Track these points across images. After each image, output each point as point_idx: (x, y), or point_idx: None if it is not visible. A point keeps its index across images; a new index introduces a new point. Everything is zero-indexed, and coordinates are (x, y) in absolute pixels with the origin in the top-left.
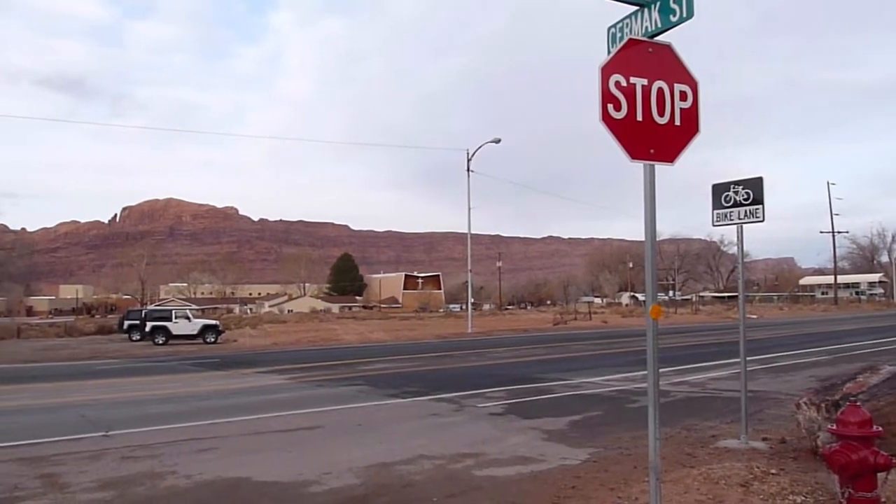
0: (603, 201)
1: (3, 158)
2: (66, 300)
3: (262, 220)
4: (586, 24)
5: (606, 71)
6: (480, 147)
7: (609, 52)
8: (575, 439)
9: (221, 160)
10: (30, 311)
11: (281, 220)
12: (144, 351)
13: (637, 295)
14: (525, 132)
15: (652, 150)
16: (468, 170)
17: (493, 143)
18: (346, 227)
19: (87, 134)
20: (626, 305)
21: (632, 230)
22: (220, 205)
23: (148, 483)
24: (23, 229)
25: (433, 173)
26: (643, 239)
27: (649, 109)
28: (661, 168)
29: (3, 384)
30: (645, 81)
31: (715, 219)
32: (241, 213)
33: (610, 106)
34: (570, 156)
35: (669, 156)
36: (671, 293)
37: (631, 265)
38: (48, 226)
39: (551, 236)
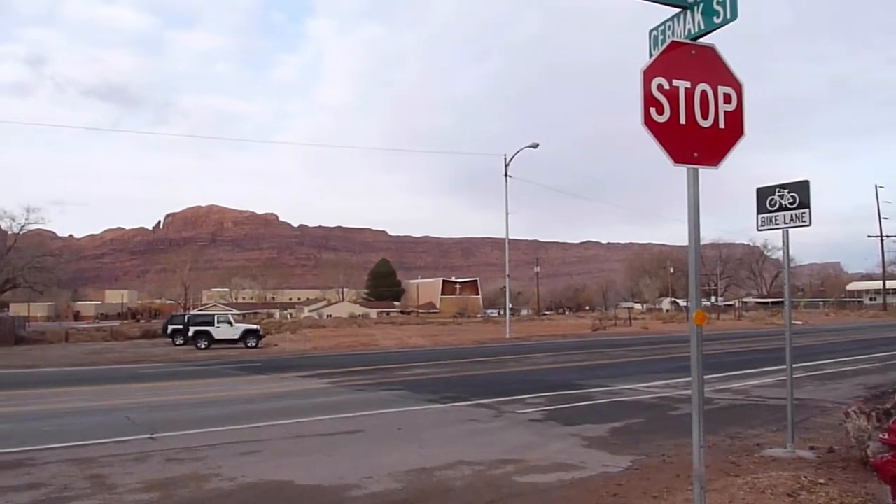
0: (642, 205)
1: (51, 167)
2: (111, 305)
3: (301, 226)
4: (625, 26)
5: (649, 74)
6: (518, 152)
7: (651, 55)
8: (616, 446)
9: (262, 167)
10: (77, 316)
11: (320, 226)
12: (188, 355)
13: (678, 301)
14: (563, 136)
15: (696, 154)
16: (506, 175)
17: (531, 148)
18: (383, 232)
19: (131, 142)
20: (667, 311)
21: (672, 235)
22: (260, 211)
23: (192, 485)
24: (70, 236)
25: (470, 178)
26: (685, 244)
27: (693, 112)
28: (703, 172)
29: (53, 387)
30: (688, 84)
31: (760, 223)
32: (280, 219)
33: (652, 109)
34: (609, 159)
35: (714, 159)
36: (713, 299)
37: (672, 270)
38: (94, 232)
39: (590, 241)
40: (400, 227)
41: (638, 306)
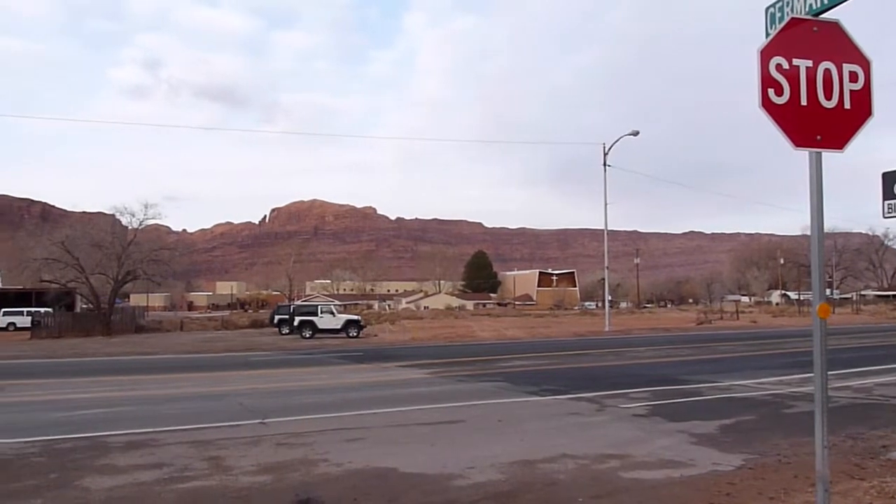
0: (750, 194)
1: (167, 165)
2: (222, 296)
3: (398, 219)
4: (731, 5)
5: (766, 53)
6: (617, 140)
7: (768, 34)
8: (727, 444)
9: (360, 161)
10: (190, 306)
11: (416, 219)
12: (293, 344)
13: (789, 293)
14: (664, 123)
15: (819, 137)
16: (604, 164)
17: (631, 136)
18: (479, 224)
19: (238, 140)
20: (777, 304)
21: (782, 224)
22: (359, 205)
23: (302, 469)
24: (183, 230)
25: (566, 169)
26: (796, 233)
27: (815, 93)
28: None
29: (171, 373)
30: (810, 63)
31: (885, 210)
32: (379, 212)
33: (770, 91)
34: (713, 146)
35: (838, 142)
36: (829, 291)
37: (782, 261)
38: (205, 227)
39: (693, 231)
40: (495, 218)
41: (745, 299)
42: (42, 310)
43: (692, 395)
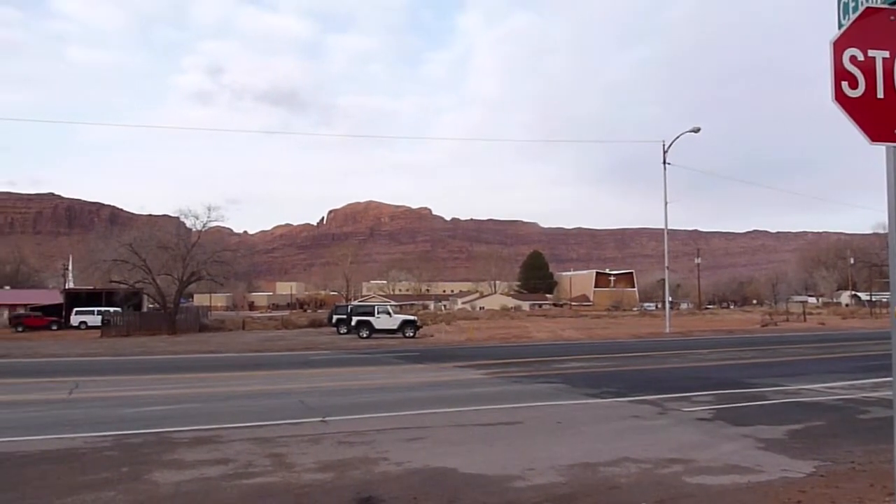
0: (817, 191)
1: (229, 168)
2: (281, 296)
3: (454, 220)
4: None
5: (839, 45)
6: (678, 137)
7: (841, 25)
8: (796, 450)
9: (415, 162)
10: (251, 306)
11: (472, 219)
12: (350, 343)
13: (859, 294)
14: (726, 119)
15: None
16: (664, 162)
17: (692, 133)
18: (535, 224)
19: (297, 143)
20: (847, 306)
21: (852, 222)
22: (414, 206)
23: (363, 468)
24: (245, 232)
25: (624, 167)
26: (867, 232)
27: (893, 85)
28: None
29: (234, 371)
30: (886, 54)
31: None
32: (434, 213)
33: (844, 83)
34: (777, 141)
35: None
36: None
37: (852, 261)
38: (266, 228)
39: (756, 230)
40: (551, 218)
41: (812, 300)
42: (111, 309)
43: (758, 399)
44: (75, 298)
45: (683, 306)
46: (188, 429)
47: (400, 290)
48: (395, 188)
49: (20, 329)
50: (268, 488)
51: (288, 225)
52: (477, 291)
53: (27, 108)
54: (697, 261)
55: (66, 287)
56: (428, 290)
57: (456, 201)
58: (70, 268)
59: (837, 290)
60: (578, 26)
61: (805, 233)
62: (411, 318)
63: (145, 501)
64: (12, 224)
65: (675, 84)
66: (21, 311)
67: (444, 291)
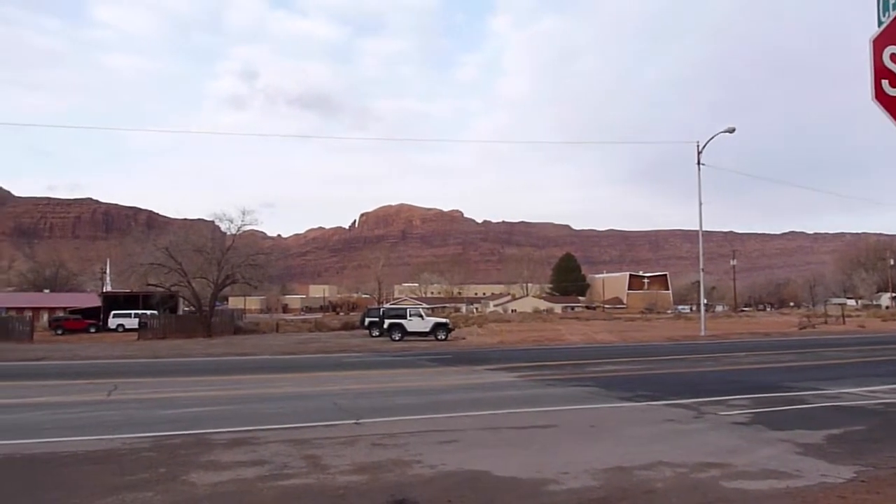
0: (856, 191)
1: (264, 173)
2: (314, 299)
3: (485, 222)
4: None
5: (879, 43)
6: (712, 138)
7: (880, 22)
8: (836, 455)
9: (446, 165)
10: (285, 309)
11: (503, 222)
12: (383, 346)
13: None
14: (761, 119)
15: None
16: (698, 163)
17: (727, 133)
18: (566, 226)
19: (329, 147)
20: (887, 308)
21: (892, 222)
22: (446, 208)
23: (397, 470)
24: (278, 235)
25: (657, 168)
26: None
27: None
28: None
29: (268, 373)
30: None
31: None
32: (465, 215)
33: (884, 82)
34: (813, 142)
35: None
36: None
37: (892, 262)
38: (298, 232)
39: (793, 232)
40: (583, 220)
41: (851, 302)
42: (148, 312)
43: (796, 402)
44: (113, 301)
45: (719, 309)
46: (224, 430)
47: (431, 293)
48: (427, 191)
49: (60, 332)
50: (303, 490)
51: (320, 228)
52: (509, 294)
53: (66, 114)
54: (733, 262)
55: (104, 290)
56: (459, 292)
57: (487, 204)
58: (108, 271)
59: (877, 291)
60: (608, 27)
61: (843, 234)
62: (443, 320)
63: (182, 502)
64: (52, 228)
65: (709, 84)
66: (60, 314)
67: (476, 294)
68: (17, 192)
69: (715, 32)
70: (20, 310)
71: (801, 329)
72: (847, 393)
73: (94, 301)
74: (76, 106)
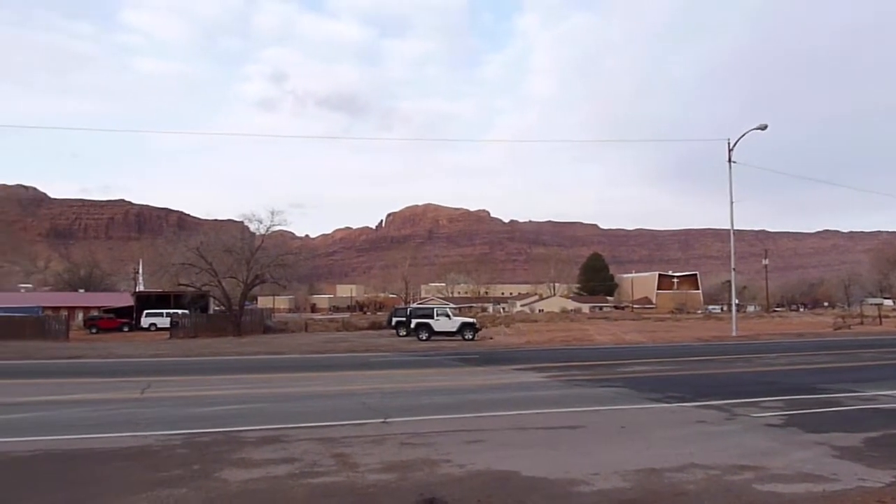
0: (891, 188)
1: (292, 173)
2: (342, 298)
3: (512, 222)
4: None
5: None
6: (743, 135)
7: None
8: (874, 459)
9: (473, 165)
10: (313, 308)
11: (530, 221)
12: (410, 346)
13: None
14: (794, 116)
15: None
16: (729, 161)
17: (759, 130)
18: (594, 226)
19: (357, 147)
20: None
21: None
22: (472, 208)
23: (426, 469)
24: (306, 236)
25: (687, 167)
26: None
27: None
28: None
29: (298, 372)
30: None
31: None
32: (492, 215)
33: None
34: (849, 139)
35: None
36: None
37: None
38: (326, 232)
39: (827, 230)
40: (611, 220)
41: (889, 302)
42: (179, 311)
43: (831, 405)
44: (145, 301)
45: (750, 309)
46: (255, 428)
47: (458, 293)
48: (454, 191)
49: (94, 331)
50: (333, 488)
51: (348, 228)
52: (536, 294)
53: (98, 117)
54: (765, 262)
55: (137, 290)
56: (486, 292)
57: (514, 203)
58: (140, 271)
59: None
60: (637, 23)
61: (879, 232)
62: (470, 320)
63: (216, 499)
64: (86, 230)
65: (742, 80)
66: (95, 313)
67: (503, 294)
68: (52, 195)
69: (744, 27)
70: (56, 309)
71: (835, 330)
72: (885, 395)
73: (127, 300)
74: (107, 109)
